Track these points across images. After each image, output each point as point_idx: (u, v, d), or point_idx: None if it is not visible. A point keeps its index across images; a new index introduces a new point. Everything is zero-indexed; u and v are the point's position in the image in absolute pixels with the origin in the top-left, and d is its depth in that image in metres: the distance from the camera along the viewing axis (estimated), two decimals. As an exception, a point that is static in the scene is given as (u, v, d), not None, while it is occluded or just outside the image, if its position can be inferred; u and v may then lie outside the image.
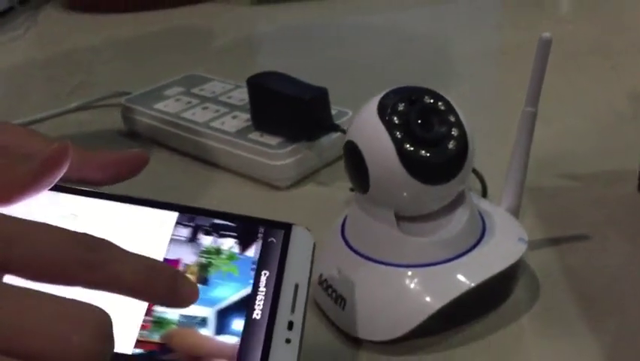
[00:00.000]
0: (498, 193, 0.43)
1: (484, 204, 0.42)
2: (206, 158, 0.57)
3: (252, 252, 0.30)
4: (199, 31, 0.98)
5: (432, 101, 0.36)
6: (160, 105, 0.62)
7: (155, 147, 0.61)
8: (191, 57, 0.87)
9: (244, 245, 0.31)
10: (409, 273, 0.37)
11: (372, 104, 0.36)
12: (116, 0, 1.05)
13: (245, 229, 0.31)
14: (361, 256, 0.38)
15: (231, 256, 0.30)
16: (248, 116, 0.57)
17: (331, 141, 0.55)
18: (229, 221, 0.31)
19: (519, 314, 0.39)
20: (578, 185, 0.51)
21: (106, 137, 0.64)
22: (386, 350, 0.37)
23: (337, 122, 0.55)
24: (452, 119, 0.36)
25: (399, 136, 0.35)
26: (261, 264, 0.30)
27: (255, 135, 0.55)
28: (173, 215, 0.31)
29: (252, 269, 0.30)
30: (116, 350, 0.23)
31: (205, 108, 0.60)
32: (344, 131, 0.54)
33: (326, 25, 0.96)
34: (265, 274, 0.30)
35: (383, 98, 0.36)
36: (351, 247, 0.38)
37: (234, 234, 0.31)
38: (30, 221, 0.24)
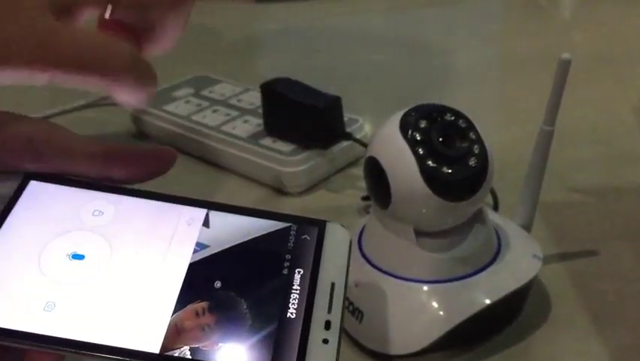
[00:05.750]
0: (508, 205, 0.44)
1: (497, 219, 0.42)
2: (217, 162, 0.57)
3: (285, 250, 0.29)
4: (203, 28, 0.97)
5: (453, 118, 0.37)
6: (170, 107, 0.62)
7: (165, 149, 0.61)
8: (196, 55, 0.86)
9: (276, 243, 0.30)
10: (426, 288, 0.37)
11: (394, 121, 0.37)
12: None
13: (277, 227, 0.30)
14: (379, 270, 0.38)
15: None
16: (259, 120, 0.57)
17: (342, 149, 0.55)
18: (261, 218, 0.30)
19: (531, 330, 0.40)
20: (587, 199, 0.52)
21: (114, 138, 0.64)
22: (401, 364, 0.37)
23: (348, 129, 0.55)
24: (473, 136, 0.36)
25: (421, 153, 0.35)
26: (294, 262, 0.29)
27: (266, 141, 0.55)
28: (202, 212, 0.30)
29: (286, 267, 0.29)
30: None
31: (215, 111, 0.60)
32: (356, 140, 0.54)
33: (328, 25, 0.96)
34: (299, 272, 0.29)
35: (405, 115, 0.37)
36: (369, 261, 0.39)
37: (266, 232, 0.30)
38: None
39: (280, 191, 0.54)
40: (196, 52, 0.88)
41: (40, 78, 0.27)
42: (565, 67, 0.38)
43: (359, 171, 0.56)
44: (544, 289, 0.42)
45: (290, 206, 0.52)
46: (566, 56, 0.38)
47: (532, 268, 0.39)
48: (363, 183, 0.53)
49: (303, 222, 0.30)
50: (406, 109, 0.37)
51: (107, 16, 0.31)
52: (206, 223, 0.30)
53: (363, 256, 0.39)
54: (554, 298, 0.42)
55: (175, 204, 0.30)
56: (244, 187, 0.55)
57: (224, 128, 0.57)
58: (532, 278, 0.38)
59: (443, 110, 0.37)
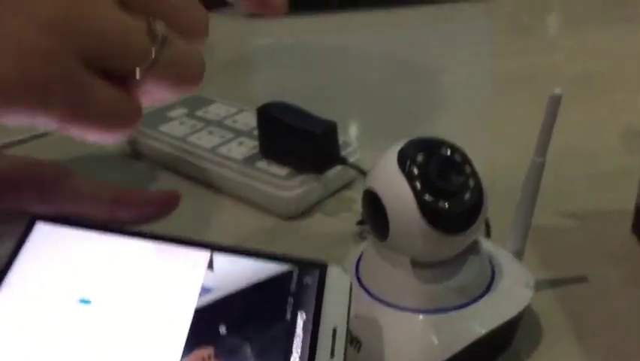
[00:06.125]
0: (499, 228, 0.45)
1: (490, 247, 0.43)
2: (213, 184, 0.58)
3: (288, 294, 0.30)
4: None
5: (449, 152, 0.38)
6: (165, 128, 0.62)
7: (160, 170, 0.61)
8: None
9: (279, 287, 0.30)
10: (422, 318, 0.38)
11: (392, 155, 0.38)
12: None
13: (279, 270, 0.31)
14: (376, 299, 0.39)
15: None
16: (254, 142, 0.58)
17: (336, 172, 0.56)
18: (263, 259, 0.31)
19: (523, 357, 0.41)
20: (575, 224, 0.53)
21: (109, 157, 0.65)
22: (398, 392, 0.38)
23: (342, 152, 0.56)
24: (468, 170, 0.37)
25: (419, 187, 0.36)
26: (296, 306, 0.30)
27: (262, 164, 0.55)
28: (206, 254, 0.31)
29: (289, 312, 0.29)
30: None
31: (210, 133, 0.61)
32: (351, 165, 0.55)
33: (319, 43, 0.97)
34: (302, 316, 0.29)
35: (402, 149, 0.38)
36: (366, 290, 0.40)
37: (269, 275, 0.30)
38: None
39: (276, 214, 0.54)
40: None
41: (53, 125, 0.26)
42: (556, 102, 0.40)
43: (353, 194, 0.57)
44: (535, 315, 0.43)
45: (285, 230, 0.53)
46: (557, 91, 0.39)
47: (525, 297, 0.40)
48: (357, 207, 0.54)
49: (305, 265, 0.31)
50: (403, 142, 0.38)
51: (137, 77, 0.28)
52: (210, 266, 0.30)
53: (361, 285, 0.40)
54: (544, 324, 0.43)
55: (180, 247, 0.31)
56: (239, 210, 0.56)
57: (220, 150, 0.58)
58: (525, 307, 0.39)
59: (439, 144, 0.38)
